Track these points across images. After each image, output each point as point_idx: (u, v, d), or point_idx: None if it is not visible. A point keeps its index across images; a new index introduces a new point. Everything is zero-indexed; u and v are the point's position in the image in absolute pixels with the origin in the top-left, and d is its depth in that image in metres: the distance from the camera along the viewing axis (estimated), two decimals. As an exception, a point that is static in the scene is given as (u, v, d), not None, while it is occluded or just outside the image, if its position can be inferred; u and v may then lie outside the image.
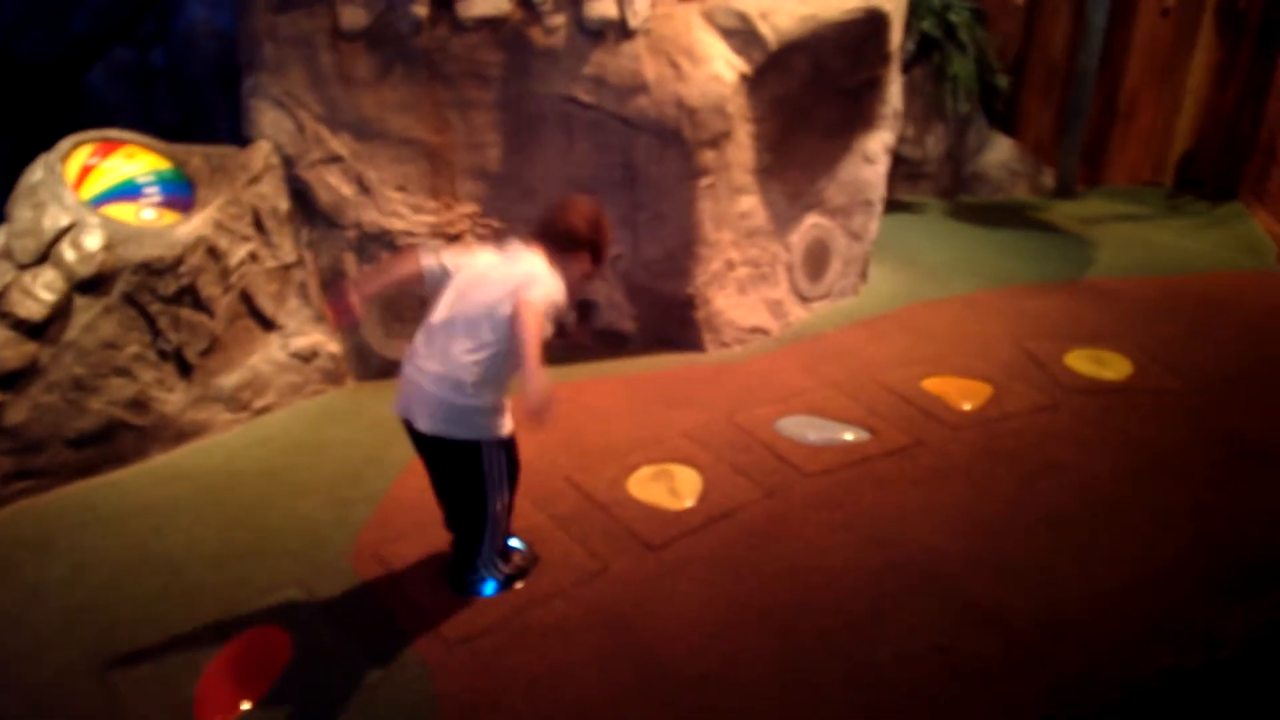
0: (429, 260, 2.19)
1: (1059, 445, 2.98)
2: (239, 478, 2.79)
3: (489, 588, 2.27)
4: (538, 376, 1.90)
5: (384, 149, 3.26)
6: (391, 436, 3.00)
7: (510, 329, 2.00)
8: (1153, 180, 6.13)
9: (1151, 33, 5.75)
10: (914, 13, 5.13)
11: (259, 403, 3.13)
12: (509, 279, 2.07)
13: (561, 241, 2.15)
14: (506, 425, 2.18)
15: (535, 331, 1.95)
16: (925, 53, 5.37)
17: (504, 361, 2.06)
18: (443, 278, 2.16)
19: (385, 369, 3.39)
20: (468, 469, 2.14)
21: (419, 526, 2.52)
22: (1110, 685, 1.93)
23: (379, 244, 3.27)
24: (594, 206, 2.24)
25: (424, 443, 2.17)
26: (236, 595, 2.29)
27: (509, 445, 2.21)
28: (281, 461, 2.88)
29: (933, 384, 3.38)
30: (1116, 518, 2.61)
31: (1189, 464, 2.88)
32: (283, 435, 3.03)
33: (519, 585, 2.31)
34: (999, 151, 5.89)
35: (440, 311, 2.12)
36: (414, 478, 2.76)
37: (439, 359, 2.07)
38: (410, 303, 3.37)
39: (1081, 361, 3.56)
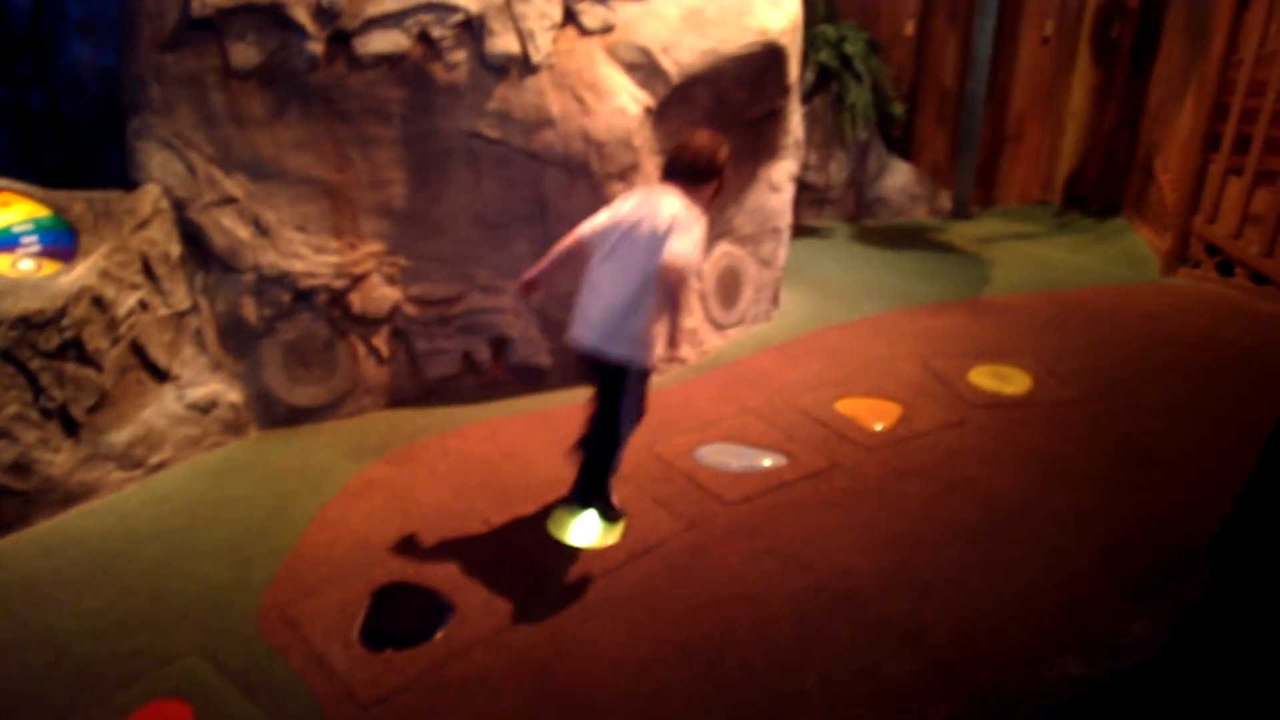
0: (583, 229, 2.50)
1: (966, 460, 3.07)
2: (133, 541, 2.63)
3: (602, 517, 2.65)
4: (683, 322, 2.44)
5: (282, 189, 3.16)
6: (298, 487, 2.89)
7: (659, 273, 2.29)
8: (1042, 199, 6.45)
9: (1033, 60, 6.08)
10: (811, 45, 5.31)
11: (154, 459, 2.96)
12: (654, 221, 2.35)
13: (692, 176, 2.45)
14: (652, 359, 2.49)
15: (681, 282, 2.27)
16: (824, 83, 5.55)
17: (652, 299, 2.37)
18: (599, 237, 2.46)
19: (291, 416, 3.27)
20: (614, 388, 2.50)
21: (327, 581, 2.42)
22: (1024, 698, 1.97)
23: (280, 287, 3.16)
24: (713, 137, 2.51)
25: (591, 361, 2.50)
26: (132, 668, 2.14)
27: (646, 378, 2.56)
28: (179, 521, 2.72)
29: (845, 406, 3.45)
30: (1022, 528, 2.70)
31: (1087, 471, 3.01)
32: (180, 493, 2.88)
33: (615, 533, 2.61)
34: (898, 176, 6.11)
35: (599, 258, 2.45)
36: (322, 530, 2.66)
37: (606, 297, 2.41)
38: (315, 346, 3.26)
39: (984, 377, 3.69)
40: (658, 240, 2.32)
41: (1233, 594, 1.69)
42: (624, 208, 2.46)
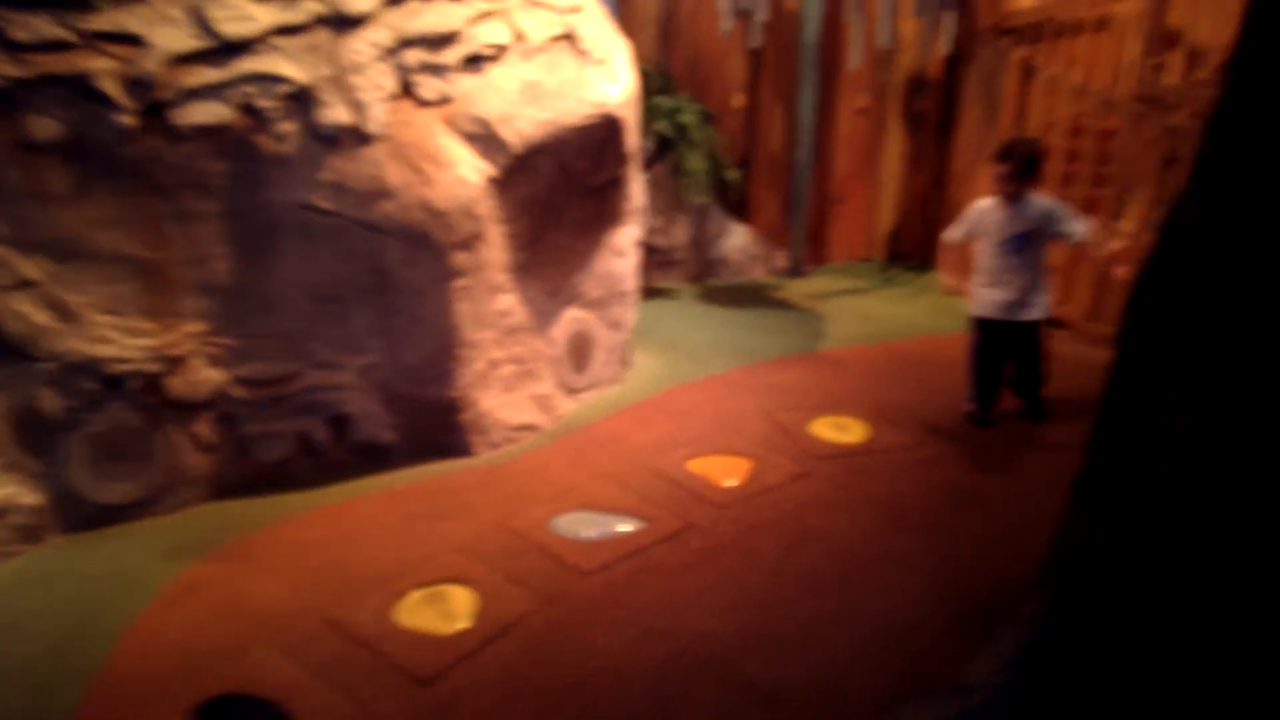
0: (954, 234, 3.90)
1: (813, 512, 3.17)
2: (-98, 676, 2.28)
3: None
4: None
5: (89, 269, 2.91)
6: (108, 596, 2.61)
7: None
8: (867, 256, 6.91)
9: (851, 129, 6.56)
10: (650, 115, 5.50)
11: (-68, 576, 2.60)
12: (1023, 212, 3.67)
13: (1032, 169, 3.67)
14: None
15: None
16: (663, 151, 5.76)
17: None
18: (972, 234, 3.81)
19: (100, 516, 2.97)
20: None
21: (144, 701, 2.17)
22: (880, 748, 2.02)
23: (85, 375, 2.88)
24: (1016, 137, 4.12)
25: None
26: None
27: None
28: (-38, 647, 2.39)
29: (698, 465, 3.49)
30: (869, 575, 2.80)
31: (923, 515, 3.17)
32: (-36, 613, 2.53)
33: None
34: (737, 238, 6.39)
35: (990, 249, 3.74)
36: (136, 643, 2.40)
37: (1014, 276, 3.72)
38: (127, 437, 2.99)
39: (825, 428, 3.85)
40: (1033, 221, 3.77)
41: (1062, 629, 1.80)
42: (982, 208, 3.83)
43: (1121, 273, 3.86)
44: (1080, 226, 3.67)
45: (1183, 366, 1.63)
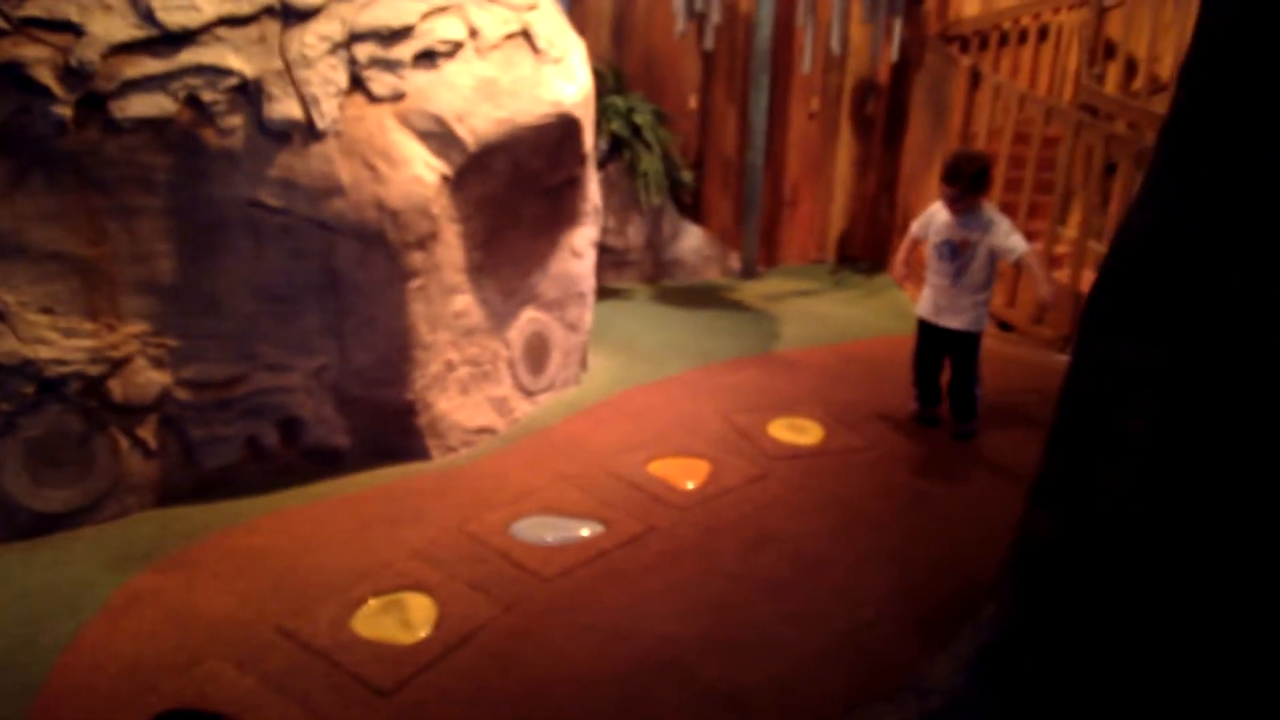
0: (913, 229, 3.95)
1: (771, 513, 3.19)
2: None
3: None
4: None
5: (23, 267, 2.78)
6: (48, 608, 2.49)
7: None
8: (818, 258, 7.00)
9: (803, 133, 6.64)
10: (603, 115, 5.48)
11: None
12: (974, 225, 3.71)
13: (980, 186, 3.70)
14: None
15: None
16: (617, 151, 5.74)
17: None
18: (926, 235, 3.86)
19: (38, 524, 2.84)
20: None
21: (93, 716, 2.08)
22: (845, 749, 2.04)
23: (20, 378, 2.75)
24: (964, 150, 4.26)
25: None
26: None
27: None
28: (-113, 666, 2.26)
29: (657, 467, 3.49)
30: (826, 577, 2.83)
31: (880, 516, 3.22)
32: (-111, 630, 2.39)
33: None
34: (691, 239, 6.40)
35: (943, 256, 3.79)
36: (80, 657, 2.30)
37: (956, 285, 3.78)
38: (66, 442, 2.87)
39: (782, 430, 3.88)
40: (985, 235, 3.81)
41: (1021, 633, 1.84)
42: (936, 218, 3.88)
43: (1050, 304, 3.89)
44: (1017, 244, 3.67)
45: (1138, 373, 1.68)
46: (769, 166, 6.45)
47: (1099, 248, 5.02)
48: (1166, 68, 5.86)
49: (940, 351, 3.94)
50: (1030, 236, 5.27)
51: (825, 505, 3.26)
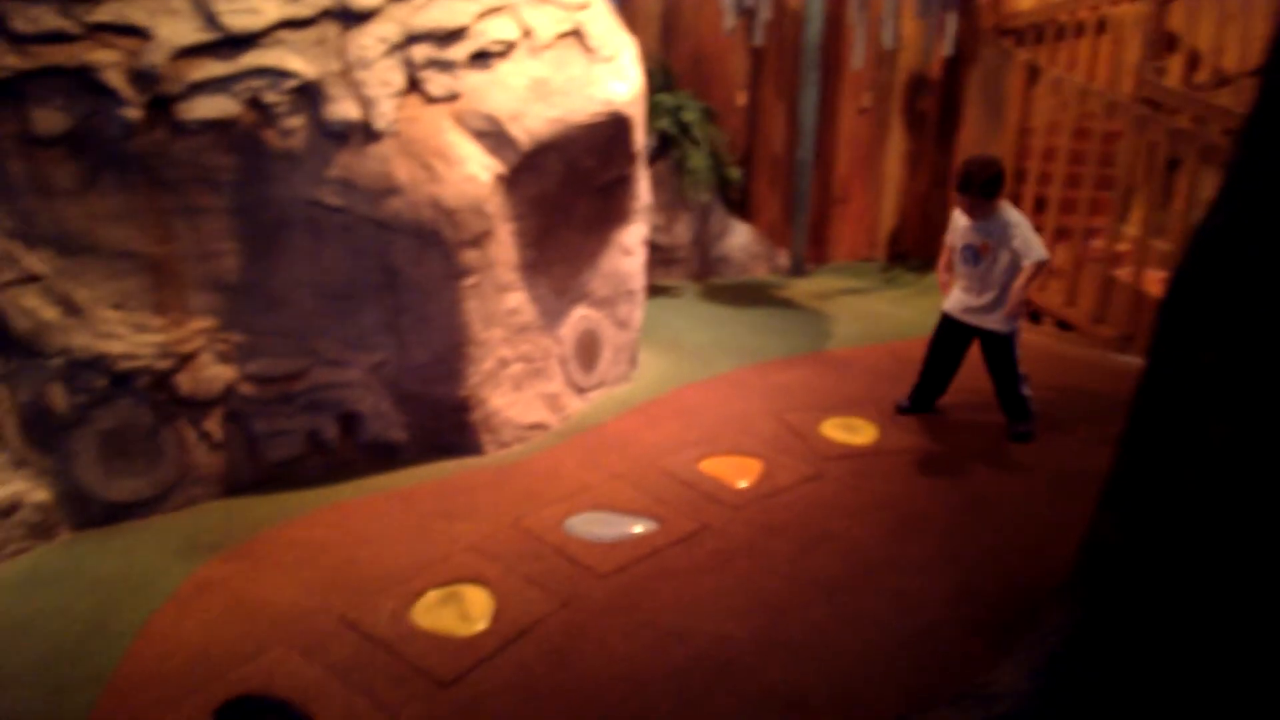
0: (948, 238, 3.83)
1: (826, 513, 3.16)
2: (-89, 678, 2.24)
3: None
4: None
5: (96, 264, 2.87)
6: (120, 596, 2.57)
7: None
8: (869, 256, 6.91)
9: (853, 129, 6.56)
10: (652, 112, 5.48)
11: (-63, 576, 2.56)
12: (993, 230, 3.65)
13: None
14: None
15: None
16: (665, 149, 5.74)
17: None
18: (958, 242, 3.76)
19: (110, 513, 2.93)
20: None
21: (160, 703, 2.14)
22: (906, 753, 2.01)
23: (94, 372, 2.84)
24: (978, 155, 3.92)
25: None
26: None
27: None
28: (-28, 647, 2.35)
29: (709, 465, 3.48)
30: (882, 579, 2.79)
31: (936, 517, 3.17)
32: (-27, 613, 2.49)
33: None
34: (739, 236, 6.37)
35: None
36: (150, 644, 2.37)
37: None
38: (136, 434, 2.95)
39: (835, 429, 3.84)
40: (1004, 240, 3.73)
41: (1091, 640, 1.80)
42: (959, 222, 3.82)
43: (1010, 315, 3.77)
44: (1026, 250, 3.53)
45: (1219, 378, 1.63)
46: (818, 163, 6.39)
47: (1162, 245, 4.89)
48: (1231, 60, 5.67)
49: (954, 349, 3.94)
50: (1091, 234, 5.16)
51: (880, 506, 3.23)
